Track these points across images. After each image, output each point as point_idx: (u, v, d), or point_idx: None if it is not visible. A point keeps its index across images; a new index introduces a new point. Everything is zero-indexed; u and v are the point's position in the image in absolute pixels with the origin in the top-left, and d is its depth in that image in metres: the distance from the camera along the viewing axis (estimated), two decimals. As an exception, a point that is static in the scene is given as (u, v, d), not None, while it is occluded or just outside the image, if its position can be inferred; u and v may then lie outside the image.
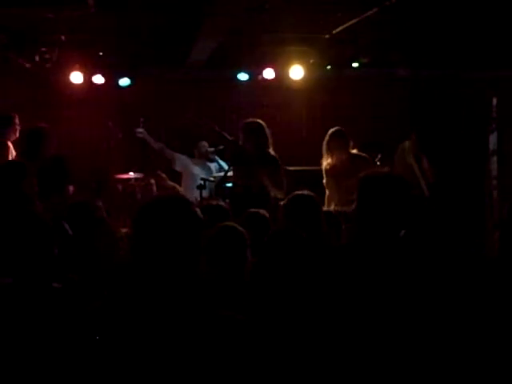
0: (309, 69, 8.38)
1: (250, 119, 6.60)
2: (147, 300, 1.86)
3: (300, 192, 4.10)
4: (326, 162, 6.75)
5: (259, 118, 6.91)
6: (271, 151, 6.36)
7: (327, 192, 6.78)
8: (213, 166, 8.39)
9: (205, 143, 8.41)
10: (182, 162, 8.27)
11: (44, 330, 2.35)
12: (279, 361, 2.59)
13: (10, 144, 6.78)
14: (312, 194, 4.07)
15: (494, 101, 9.16)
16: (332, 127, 6.96)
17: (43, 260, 2.47)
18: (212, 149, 8.26)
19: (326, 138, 6.73)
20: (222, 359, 1.80)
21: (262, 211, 4.26)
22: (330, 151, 6.67)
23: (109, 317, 1.87)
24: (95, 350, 1.83)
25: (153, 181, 7.96)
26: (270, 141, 6.42)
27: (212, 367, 1.79)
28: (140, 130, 8.02)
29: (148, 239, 1.90)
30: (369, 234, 2.79)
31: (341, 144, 6.65)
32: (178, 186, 8.14)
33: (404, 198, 2.81)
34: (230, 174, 6.73)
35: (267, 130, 6.41)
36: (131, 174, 7.91)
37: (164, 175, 8.12)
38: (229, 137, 6.99)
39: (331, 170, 6.71)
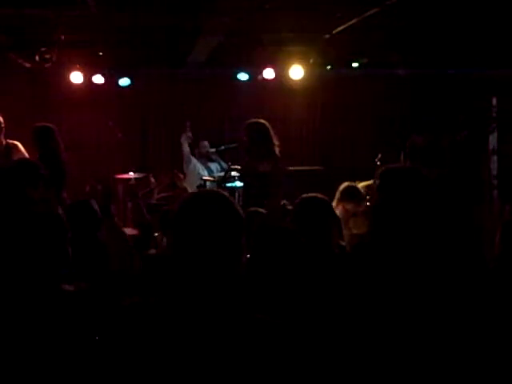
0: (309, 69, 8.38)
1: (252, 120, 6.46)
2: (183, 301, 1.82)
3: (312, 194, 4.00)
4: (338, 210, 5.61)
5: (259, 118, 6.92)
6: (277, 153, 6.27)
7: None
8: (213, 165, 8.40)
9: (206, 143, 8.42)
10: (194, 164, 8.30)
11: (52, 334, 2.31)
12: (306, 363, 2.57)
13: None
14: (323, 196, 3.94)
15: (494, 101, 9.16)
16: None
17: (56, 261, 2.41)
18: (213, 149, 8.27)
19: (337, 196, 5.72)
20: (254, 362, 1.77)
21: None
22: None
23: (142, 315, 1.83)
24: (119, 350, 1.79)
25: (153, 180, 7.96)
26: (276, 142, 6.30)
27: (243, 369, 1.76)
28: (190, 134, 8.09)
29: (188, 236, 1.84)
30: (390, 230, 2.75)
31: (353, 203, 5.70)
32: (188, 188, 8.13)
33: (425, 192, 2.79)
34: (232, 173, 6.75)
35: (271, 130, 6.31)
36: (131, 173, 7.91)
37: (181, 175, 8.11)
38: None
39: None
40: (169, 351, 1.77)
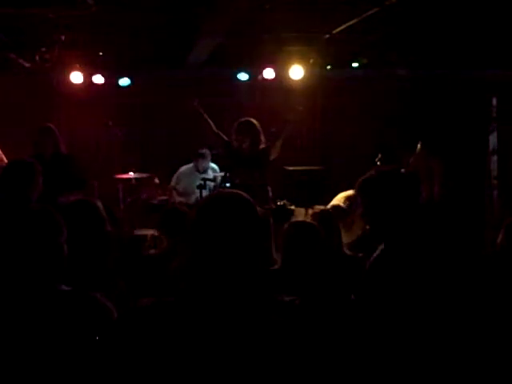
0: (309, 69, 8.38)
1: (243, 119, 6.84)
2: (201, 304, 1.81)
3: (301, 221, 4.03)
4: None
5: (259, 118, 6.95)
6: (262, 146, 6.77)
7: None
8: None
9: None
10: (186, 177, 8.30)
11: (46, 335, 2.28)
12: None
13: None
14: (313, 223, 3.95)
15: (494, 101, 9.17)
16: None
17: (51, 259, 2.37)
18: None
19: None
20: (271, 362, 1.76)
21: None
22: None
23: (160, 316, 1.81)
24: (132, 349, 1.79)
25: (157, 180, 7.96)
26: (263, 139, 6.74)
27: (260, 370, 1.75)
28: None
29: (209, 239, 1.83)
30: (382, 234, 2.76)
31: None
32: (184, 194, 8.12)
33: (410, 194, 2.78)
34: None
35: (259, 129, 6.74)
36: (131, 173, 7.92)
37: (175, 193, 8.09)
38: (224, 137, 7.04)
39: None
40: (185, 352, 1.77)
